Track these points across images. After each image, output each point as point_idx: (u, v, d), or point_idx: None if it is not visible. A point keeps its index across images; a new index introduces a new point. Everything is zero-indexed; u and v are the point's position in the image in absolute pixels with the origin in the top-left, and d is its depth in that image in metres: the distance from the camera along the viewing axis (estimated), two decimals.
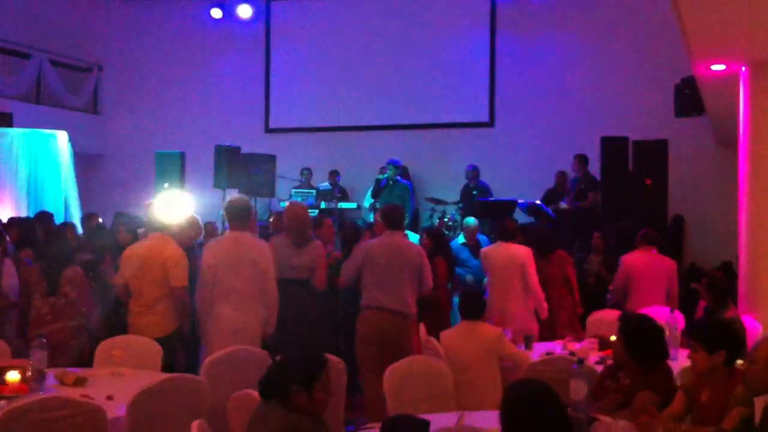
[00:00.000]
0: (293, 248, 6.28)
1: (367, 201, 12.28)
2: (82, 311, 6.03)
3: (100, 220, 9.74)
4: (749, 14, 5.86)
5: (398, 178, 12.11)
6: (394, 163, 12.09)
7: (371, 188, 12.33)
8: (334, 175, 12.77)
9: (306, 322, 6.20)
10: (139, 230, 7.72)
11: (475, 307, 5.61)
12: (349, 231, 7.79)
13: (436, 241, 8.01)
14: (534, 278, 6.92)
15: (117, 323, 6.24)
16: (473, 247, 9.16)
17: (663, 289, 7.42)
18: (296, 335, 6.00)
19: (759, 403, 3.56)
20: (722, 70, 7.57)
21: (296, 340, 5.90)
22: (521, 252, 7.00)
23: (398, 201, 11.51)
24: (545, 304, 6.99)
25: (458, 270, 8.68)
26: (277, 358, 3.60)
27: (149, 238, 6.20)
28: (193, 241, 6.90)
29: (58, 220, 9.93)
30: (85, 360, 5.63)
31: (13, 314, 6.34)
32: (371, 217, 11.61)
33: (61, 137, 11.66)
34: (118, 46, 15.40)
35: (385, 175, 12.03)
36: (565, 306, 7.44)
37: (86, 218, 9.65)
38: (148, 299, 5.94)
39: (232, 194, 11.58)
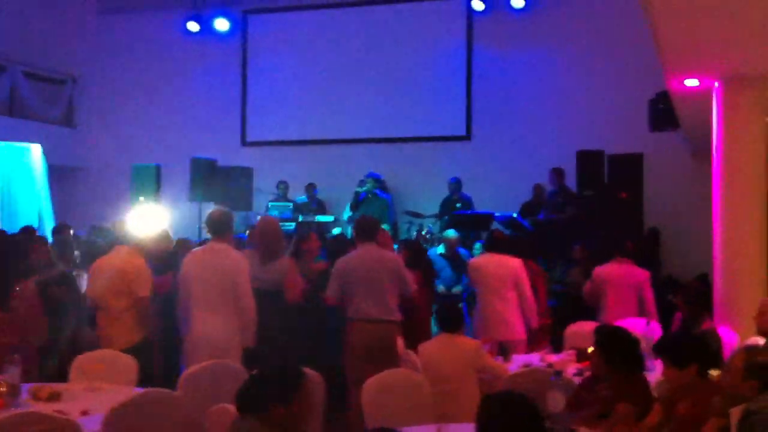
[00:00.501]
0: (261, 263, 6.29)
1: (346, 214, 12.28)
2: (29, 328, 5.94)
3: (72, 232, 9.63)
4: (722, 31, 5.95)
5: (377, 191, 12.16)
6: (374, 177, 12.16)
7: (350, 202, 12.35)
8: (311, 188, 12.76)
9: (275, 332, 6.18)
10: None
11: (453, 319, 5.61)
12: (335, 243, 7.80)
13: (413, 253, 8.01)
14: (528, 288, 7.00)
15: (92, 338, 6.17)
16: (451, 258, 9.20)
17: (634, 300, 7.48)
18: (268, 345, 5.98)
19: (735, 412, 3.59)
20: (696, 86, 7.67)
21: (267, 352, 5.88)
22: (514, 263, 7.06)
23: (378, 214, 11.54)
24: (536, 314, 7.06)
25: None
26: (253, 371, 3.56)
27: (114, 251, 6.19)
28: (164, 253, 6.85)
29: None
30: (34, 378, 5.51)
31: None
32: (349, 231, 11.60)
33: (35, 150, 11.57)
34: (94, 59, 15.28)
35: (364, 188, 12.06)
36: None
37: (57, 230, 9.54)
38: (113, 311, 5.90)
39: (213, 207, 11.61)
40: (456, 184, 12.16)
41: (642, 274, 7.59)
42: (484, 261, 7.24)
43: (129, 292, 5.87)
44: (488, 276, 7.05)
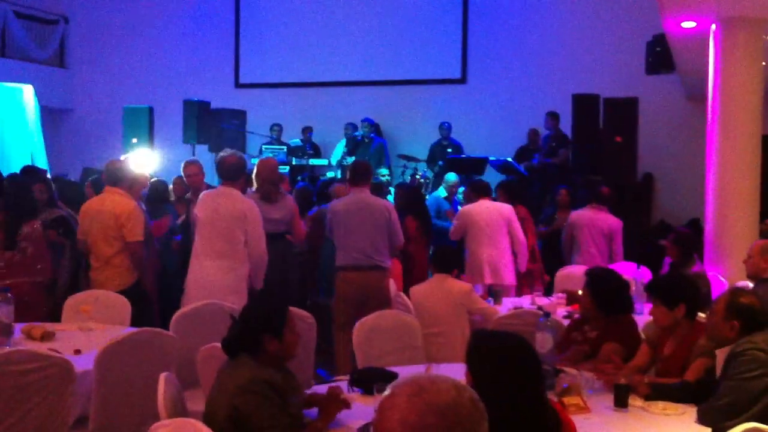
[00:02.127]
0: (265, 204, 6.23)
1: (335, 158, 12.26)
2: (36, 268, 5.94)
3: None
4: None
5: (373, 135, 12.11)
6: (368, 122, 12.12)
7: (339, 145, 12.32)
8: (307, 131, 12.69)
9: (282, 275, 6.20)
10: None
11: (447, 260, 5.64)
12: (301, 195, 7.86)
13: (408, 197, 8.02)
14: (521, 233, 7.11)
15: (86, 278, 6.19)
16: (451, 201, 9.26)
17: (605, 248, 7.55)
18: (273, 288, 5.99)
19: (721, 354, 3.63)
20: (692, 27, 7.60)
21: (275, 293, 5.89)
22: (506, 208, 7.18)
23: (375, 158, 11.58)
24: (526, 259, 7.14)
25: (441, 223, 8.64)
26: (234, 315, 3.58)
27: (103, 192, 6.12)
28: (139, 193, 6.81)
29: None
30: (42, 316, 5.55)
31: None
32: (339, 174, 11.62)
33: (27, 91, 11.44)
34: None
35: (360, 132, 12.02)
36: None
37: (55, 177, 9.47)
38: (103, 254, 5.89)
39: (226, 150, 11.55)
40: (447, 128, 12.11)
41: (615, 223, 7.63)
42: (475, 207, 7.25)
43: (120, 236, 5.85)
44: (480, 222, 7.08)
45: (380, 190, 7.97)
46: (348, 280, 6.19)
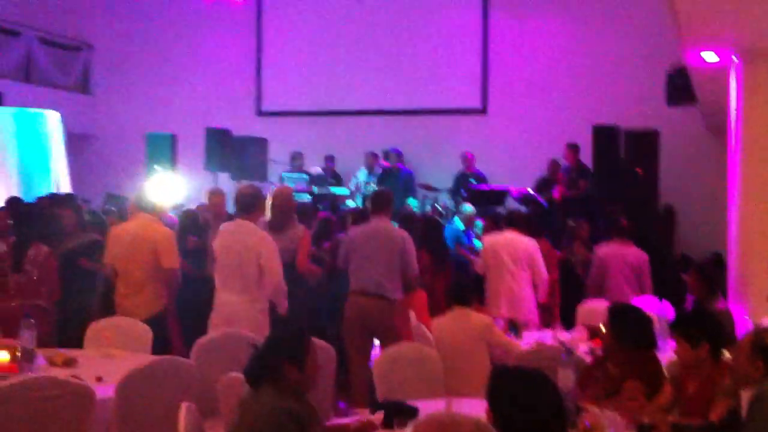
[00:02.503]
0: (273, 233, 6.19)
1: (352, 184, 12.30)
2: (41, 291, 6.00)
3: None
4: (740, 2, 5.86)
5: (400, 165, 12.12)
6: (396, 152, 12.14)
7: (360, 173, 12.35)
8: (328, 159, 12.76)
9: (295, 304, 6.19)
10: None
11: (465, 293, 5.62)
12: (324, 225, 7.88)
13: (422, 230, 7.96)
14: (543, 267, 7.04)
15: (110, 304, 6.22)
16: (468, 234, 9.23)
17: (635, 283, 7.50)
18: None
19: (746, 394, 3.58)
20: (714, 60, 7.59)
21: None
22: (529, 242, 7.10)
23: (402, 188, 11.55)
24: (546, 293, 7.14)
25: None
26: (256, 344, 3.59)
27: (136, 218, 6.15)
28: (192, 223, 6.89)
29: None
30: (44, 342, 5.58)
31: None
32: (360, 202, 11.65)
33: (52, 117, 11.58)
34: (109, 25, 15.24)
35: (389, 162, 12.08)
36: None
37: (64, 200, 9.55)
38: (136, 281, 5.91)
39: (229, 178, 11.62)
40: (469, 158, 12.12)
41: (643, 257, 7.61)
42: (497, 239, 7.22)
43: (154, 262, 5.87)
44: (502, 254, 7.04)
45: (411, 220, 7.94)
46: (353, 304, 6.18)
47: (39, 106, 11.95)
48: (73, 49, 15.15)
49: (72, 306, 6.38)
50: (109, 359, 4.84)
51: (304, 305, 6.42)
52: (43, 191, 10.61)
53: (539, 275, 7.03)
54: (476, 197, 10.80)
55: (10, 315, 5.72)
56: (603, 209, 9.82)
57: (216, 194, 7.34)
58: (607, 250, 7.66)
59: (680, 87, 10.05)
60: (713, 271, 6.32)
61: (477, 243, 8.68)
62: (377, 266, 6.12)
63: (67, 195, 9.18)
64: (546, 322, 6.99)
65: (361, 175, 12.44)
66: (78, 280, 6.46)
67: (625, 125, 10.45)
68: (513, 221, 7.35)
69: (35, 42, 14.10)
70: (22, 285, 5.98)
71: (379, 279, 6.10)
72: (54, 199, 8.86)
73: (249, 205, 5.89)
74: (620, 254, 7.56)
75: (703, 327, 4.07)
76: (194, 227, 7.55)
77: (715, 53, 7.40)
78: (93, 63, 15.42)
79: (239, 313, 5.61)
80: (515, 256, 7.02)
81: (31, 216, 6.65)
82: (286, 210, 6.39)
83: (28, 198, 9.16)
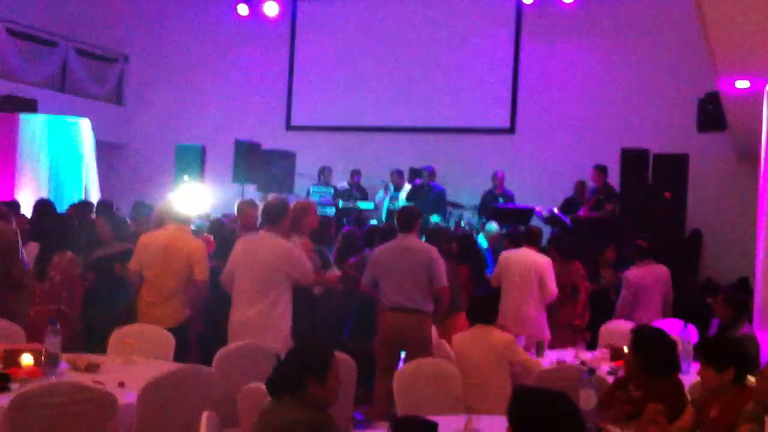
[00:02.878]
0: None
1: (378, 197, 12.40)
2: (62, 296, 6.07)
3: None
4: None
5: (432, 183, 12.17)
6: (428, 170, 12.19)
7: (384, 189, 12.40)
8: (354, 174, 12.81)
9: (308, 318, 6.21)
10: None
11: (487, 311, 5.61)
12: (371, 234, 7.87)
13: (463, 246, 8.01)
14: (553, 284, 7.06)
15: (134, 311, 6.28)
16: (493, 252, 9.20)
17: (660, 299, 7.63)
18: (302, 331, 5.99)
19: None
20: (746, 87, 7.55)
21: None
22: (542, 259, 7.15)
23: (434, 206, 11.59)
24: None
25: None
26: (280, 355, 3.61)
27: (167, 228, 6.18)
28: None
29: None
30: (65, 347, 5.64)
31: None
32: (384, 217, 11.69)
33: (84, 125, 11.73)
34: (144, 38, 15.50)
35: (422, 180, 12.13)
36: (562, 316, 7.43)
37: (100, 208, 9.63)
38: (164, 290, 5.94)
39: (255, 189, 11.69)
40: (500, 178, 12.13)
41: (667, 273, 7.73)
42: (511, 255, 7.27)
43: (187, 273, 5.91)
44: (515, 269, 7.08)
45: (437, 236, 7.97)
46: (388, 320, 6.21)
47: (73, 115, 12.12)
48: (109, 60, 15.41)
49: (99, 313, 6.42)
50: (132, 366, 4.88)
51: (324, 319, 6.45)
52: (74, 198, 10.75)
53: (549, 293, 7.06)
54: (502, 215, 10.79)
55: (33, 321, 5.85)
56: (628, 232, 9.75)
57: (249, 205, 7.37)
58: (640, 274, 7.65)
59: (711, 113, 10.00)
60: (742, 298, 6.26)
61: None
62: (408, 281, 6.17)
63: (101, 203, 9.28)
64: (572, 342, 6.95)
65: (381, 192, 12.46)
66: (108, 288, 6.49)
67: (655, 150, 10.39)
68: (529, 238, 7.37)
69: (71, 52, 14.34)
70: (45, 291, 6.08)
71: (412, 293, 6.15)
72: (87, 206, 8.97)
73: (276, 216, 5.92)
74: (652, 276, 7.61)
75: (729, 352, 4.03)
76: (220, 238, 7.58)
77: (749, 81, 7.36)
78: (127, 74, 15.65)
79: (258, 324, 5.62)
80: (524, 272, 7.06)
81: (59, 224, 6.72)
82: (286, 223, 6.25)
83: (59, 204, 9.28)
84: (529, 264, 7.12)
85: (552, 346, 6.64)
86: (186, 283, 5.96)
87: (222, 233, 7.65)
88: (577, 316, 7.30)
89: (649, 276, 7.67)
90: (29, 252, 6.79)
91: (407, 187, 12.36)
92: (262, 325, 5.63)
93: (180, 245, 5.97)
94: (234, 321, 5.75)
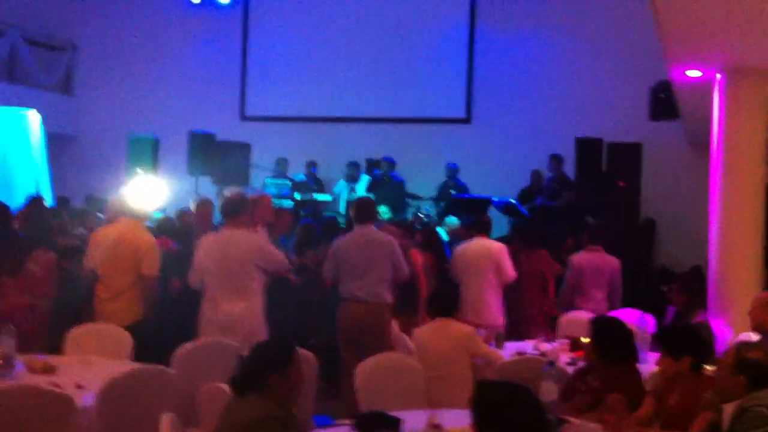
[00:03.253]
0: None
1: (337, 189, 12.38)
2: (41, 291, 5.95)
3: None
4: (725, 21, 5.93)
5: (391, 173, 12.15)
6: (388, 160, 12.18)
7: (342, 180, 12.37)
8: (310, 165, 12.73)
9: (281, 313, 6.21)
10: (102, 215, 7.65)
11: (447, 304, 5.62)
12: (329, 226, 7.84)
13: (426, 237, 8.03)
14: (510, 268, 7.10)
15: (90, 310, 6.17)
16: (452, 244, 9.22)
17: (604, 289, 7.53)
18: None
19: (728, 408, 3.61)
20: (698, 76, 7.66)
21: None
22: (496, 246, 7.17)
23: (394, 197, 11.59)
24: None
25: None
26: (242, 354, 3.61)
27: (120, 222, 6.08)
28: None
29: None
30: (33, 340, 5.53)
31: None
32: (342, 208, 11.66)
33: (33, 116, 11.49)
34: (94, 26, 15.16)
35: (381, 170, 12.12)
36: (534, 304, 7.50)
37: (60, 203, 9.49)
38: (116, 286, 5.86)
39: (209, 181, 11.55)
40: (453, 169, 12.17)
41: (615, 263, 7.63)
42: (466, 245, 7.31)
43: (136, 269, 5.83)
44: (470, 258, 7.11)
45: (411, 228, 7.96)
46: (348, 312, 6.24)
47: (21, 106, 11.84)
48: (57, 49, 15.05)
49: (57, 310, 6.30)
50: (89, 366, 4.79)
51: (290, 314, 6.43)
52: (25, 193, 10.52)
53: (507, 276, 7.10)
54: (459, 206, 10.82)
55: (6, 316, 5.63)
56: (584, 220, 9.87)
57: (204, 204, 7.32)
58: (581, 258, 7.68)
59: (663, 101, 10.15)
60: (697, 285, 6.36)
61: None
62: (369, 273, 6.21)
63: (60, 199, 9.13)
64: (547, 332, 6.94)
65: (340, 185, 12.44)
66: (61, 284, 6.38)
67: (609, 139, 10.52)
68: (479, 228, 7.37)
69: (19, 41, 13.99)
70: (17, 284, 5.87)
71: (373, 285, 6.19)
72: (41, 201, 8.79)
73: (235, 210, 5.89)
74: (595, 262, 7.58)
75: (686, 340, 4.11)
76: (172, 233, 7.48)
77: (700, 70, 7.47)
78: (76, 63, 15.32)
79: (237, 322, 5.61)
80: (479, 262, 7.08)
81: (44, 221, 6.59)
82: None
83: (10, 199, 9.07)
84: (484, 252, 7.15)
85: (528, 336, 6.64)
86: (138, 279, 5.87)
87: (171, 231, 7.51)
88: (547, 303, 7.35)
89: (593, 264, 7.58)
90: None
91: (365, 178, 12.35)
92: (244, 325, 5.60)
93: (129, 239, 5.89)
94: (209, 319, 5.70)
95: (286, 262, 6.05)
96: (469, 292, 7.02)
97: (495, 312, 7.09)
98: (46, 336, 5.87)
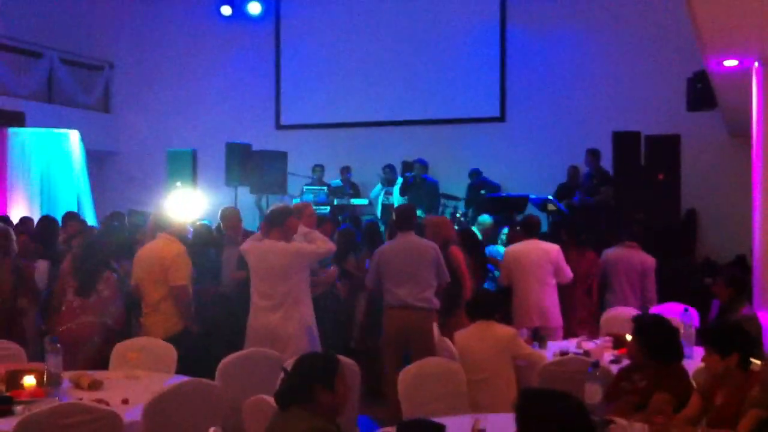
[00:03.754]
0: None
1: (374, 193, 12.40)
2: (109, 310, 6.03)
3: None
4: (761, 10, 5.82)
5: (425, 176, 12.15)
6: (421, 162, 12.19)
7: (379, 184, 12.39)
8: (345, 171, 12.77)
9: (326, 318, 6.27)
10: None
11: (488, 306, 5.59)
12: (370, 231, 7.87)
13: (464, 238, 7.96)
14: (568, 268, 7.05)
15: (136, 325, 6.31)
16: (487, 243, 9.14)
17: (639, 287, 7.43)
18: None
19: None
20: (735, 66, 7.53)
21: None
22: (553, 248, 7.08)
23: (427, 199, 11.61)
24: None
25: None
26: (285, 365, 3.61)
27: (158, 238, 6.22)
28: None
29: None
30: (102, 356, 5.63)
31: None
32: (378, 212, 11.69)
33: (73, 136, 11.68)
34: (129, 44, 15.42)
35: (413, 173, 12.12)
36: (585, 303, 7.41)
37: (110, 218, 9.58)
38: (152, 299, 6.00)
39: (249, 191, 11.65)
40: (475, 173, 12.12)
41: (649, 261, 7.51)
42: (521, 247, 7.19)
43: (165, 280, 5.94)
44: (528, 263, 7.01)
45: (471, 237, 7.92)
46: (395, 319, 6.27)
47: (61, 126, 12.06)
48: (95, 68, 15.32)
49: None
50: (135, 381, 4.86)
51: (334, 319, 6.46)
52: (66, 209, 10.70)
53: (565, 277, 7.03)
54: (495, 205, 10.77)
55: (75, 334, 5.81)
56: (624, 215, 9.75)
57: (231, 212, 7.43)
58: (611, 253, 7.59)
59: (701, 92, 9.97)
60: (742, 278, 6.24)
61: (501, 250, 8.60)
62: (415, 279, 6.24)
63: (70, 214, 9.28)
64: (593, 332, 6.88)
65: (377, 188, 12.46)
66: None
67: (646, 132, 10.38)
68: (530, 229, 7.29)
69: (57, 62, 14.25)
70: (90, 304, 5.95)
71: (416, 291, 6.22)
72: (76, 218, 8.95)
73: (278, 221, 5.99)
74: (625, 258, 7.48)
75: (733, 337, 4.03)
76: (203, 243, 7.54)
77: (737, 60, 7.35)
78: (114, 82, 15.57)
79: (279, 329, 5.72)
80: (538, 265, 6.99)
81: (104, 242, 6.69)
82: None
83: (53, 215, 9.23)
84: (541, 255, 7.04)
85: (575, 335, 6.59)
86: (169, 290, 5.97)
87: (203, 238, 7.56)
88: (593, 305, 7.27)
89: (622, 259, 7.47)
90: (39, 271, 6.85)
91: (399, 181, 12.36)
92: (285, 330, 5.73)
93: (157, 253, 6.03)
94: (252, 328, 5.82)
95: (330, 245, 6.10)
96: (530, 296, 6.96)
97: (558, 314, 7.01)
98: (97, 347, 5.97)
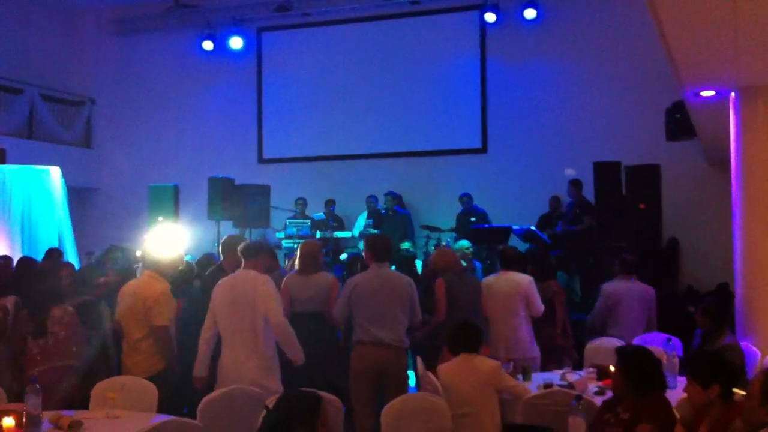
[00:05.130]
0: (301, 279, 6.37)
1: (357, 229, 12.38)
2: (72, 351, 5.82)
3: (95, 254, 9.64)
4: (735, 42, 5.90)
5: (397, 207, 12.18)
6: (392, 194, 12.24)
7: (361, 217, 12.42)
8: (329, 204, 12.78)
9: (315, 357, 6.07)
10: (135, 266, 7.69)
11: (471, 339, 5.56)
12: (355, 262, 7.81)
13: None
14: (539, 300, 6.94)
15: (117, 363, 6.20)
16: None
17: (644, 318, 7.47)
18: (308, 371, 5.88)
19: None
20: (712, 96, 7.63)
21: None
22: (524, 280, 7.01)
23: (400, 230, 11.64)
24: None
25: None
26: (267, 403, 3.57)
27: (142, 276, 6.18)
28: (181, 276, 6.82)
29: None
30: (75, 401, 5.54)
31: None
32: (361, 245, 11.66)
33: (54, 173, 11.61)
34: (110, 80, 15.42)
35: (384, 206, 12.17)
36: (542, 336, 7.34)
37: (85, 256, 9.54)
38: (132, 338, 5.92)
39: (231, 226, 11.58)
40: (467, 198, 12.16)
41: (650, 291, 7.59)
42: (495, 279, 7.17)
43: (147, 319, 5.86)
44: (498, 294, 6.98)
45: (411, 264, 7.91)
46: (366, 356, 6.04)
47: (42, 162, 12.00)
48: (75, 104, 15.30)
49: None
50: (115, 421, 4.80)
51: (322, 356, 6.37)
52: (48, 245, 10.61)
53: (536, 310, 6.91)
54: (480, 235, 10.80)
55: (46, 379, 5.42)
56: (606, 245, 9.79)
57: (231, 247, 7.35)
58: (615, 286, 7.62)
59: (679, 122, 10.08)
60: (719, 308, 6.26)
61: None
62: (384, 315, 6.06)
63: (54, 250, 9.14)
64: (558, 364, 6.87)
65: (361, 218, 12.49)
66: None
67: (626, 162, 10.48)
68: (507, 262, 7.28)
69: (38, 98, 14.23)
70: (50, 347, 5.74)
71: (388, 328, 6.04)
72: (55, 256, 8.84)
73: (253, 254, 5.96)
74: (630, 290, 7.53)
75: (713, 368, 4.03)
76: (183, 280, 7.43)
77: (714, 90, 7.44)
78: (95, 117, 15.55)
79: (248, 365, 5.60)
80: (509, 297, 6.92)
81: (49, 279, 6.57)
82: (311, 257, 6.48)
83: (34, 255, 9.15)
84: (513, 287, 7.00)
85: (561, 366, 6.56)
86: (150, 329, 5.88)
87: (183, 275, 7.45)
88: (557, 337, 7.23)
89: (628, 290, 7.55)
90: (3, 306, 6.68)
91: (364, 214, 12.41)
92: (255, 366, 5.61)
93: (139, 292, 5.94)
94: (224, 365, 5.71)
95: (281, 318, 5.78)
96: (502, 329, 6.86)
97: (530, 345, 6.88)
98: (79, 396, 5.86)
